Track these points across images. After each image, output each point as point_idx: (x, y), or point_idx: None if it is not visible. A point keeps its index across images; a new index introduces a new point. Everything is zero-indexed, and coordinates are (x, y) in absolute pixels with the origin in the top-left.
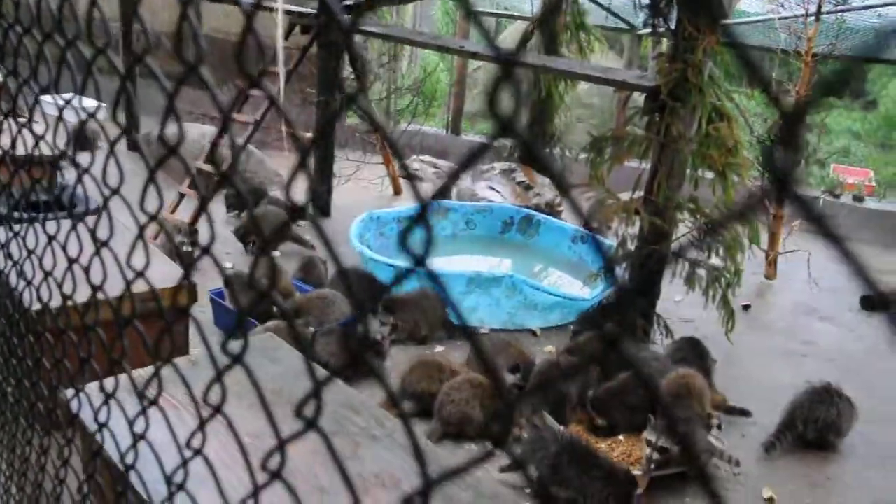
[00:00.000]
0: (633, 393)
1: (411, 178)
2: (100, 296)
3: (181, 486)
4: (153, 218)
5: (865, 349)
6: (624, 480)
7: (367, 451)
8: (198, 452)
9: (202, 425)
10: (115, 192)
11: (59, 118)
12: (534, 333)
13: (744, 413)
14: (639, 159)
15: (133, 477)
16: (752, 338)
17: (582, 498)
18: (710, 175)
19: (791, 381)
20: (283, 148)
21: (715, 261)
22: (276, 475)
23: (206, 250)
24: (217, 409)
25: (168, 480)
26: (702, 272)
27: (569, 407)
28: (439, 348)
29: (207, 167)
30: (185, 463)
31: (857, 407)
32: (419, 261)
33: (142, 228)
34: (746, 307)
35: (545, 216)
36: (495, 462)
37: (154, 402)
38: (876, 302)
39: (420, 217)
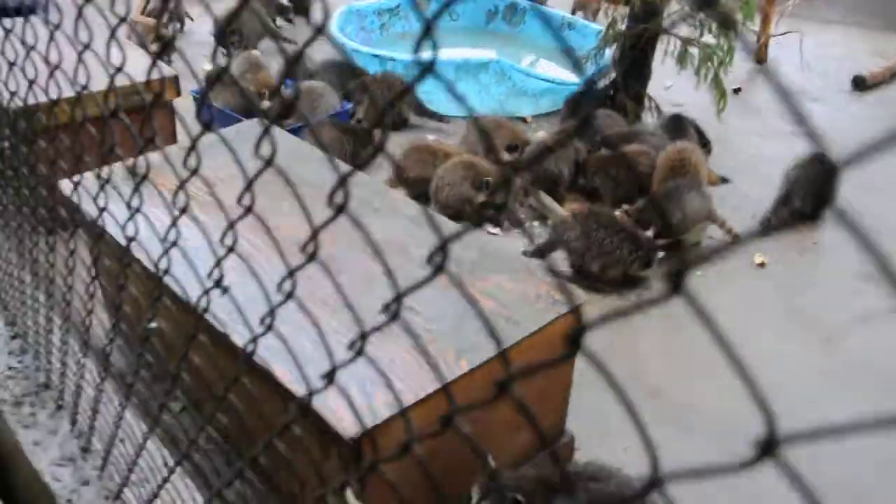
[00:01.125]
0: (620, 165)
1: None
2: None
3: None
4: (123, 20)
5: (856, 127)
6: (646, 244)
7: (372, 221)
8: (230, 250)
9: (232, 224)
10: None
11: None
12: (524, 120)
13: (724, 181)
14: None
15: (168, 279)
16: (743, 120)
17: (613, 262)
18: None
19: (783, 157)
20: None
21: (707, 38)
22: (311, 257)
23: (170, 42)
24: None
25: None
26: (694, 50)
27: (562, 187)
28: (431, 137)
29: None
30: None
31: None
32: (429, 66)
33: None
34: (737, 90)
35: (531, 3)
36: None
37: (145, 177)
38: (866, 81)
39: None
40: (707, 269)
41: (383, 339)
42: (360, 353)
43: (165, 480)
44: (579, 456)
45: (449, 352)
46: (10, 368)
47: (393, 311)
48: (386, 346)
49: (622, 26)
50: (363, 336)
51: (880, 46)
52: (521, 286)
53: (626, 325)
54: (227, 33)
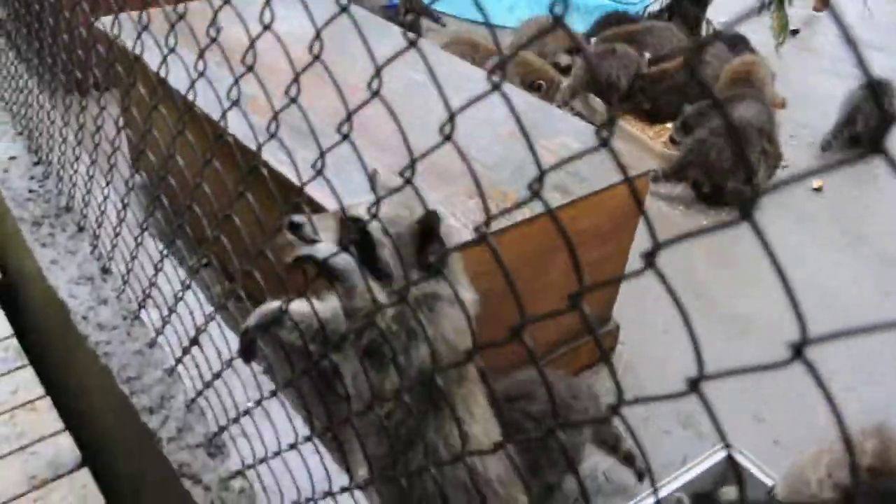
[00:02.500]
0: (679, 77)
1: None
2: None
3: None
4: None
5: None
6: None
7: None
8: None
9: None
10: None
11: None
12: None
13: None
14: None
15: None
16: (801, 58)
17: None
18: None
19: (839, 95)
20: None
21: None
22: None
23: None
24: None
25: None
26: None
27: (617, 96)
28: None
29: None
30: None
31: None
32: None
33: None
34: (795, 32)
35: None
36: None
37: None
38: None
39: None
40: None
41: (439, 180)
42: (408, 181)
43: (179, 299)
44: (621, 350)
45: (509, 196)
46: (30, 192)
47: (447, 132)
48: (442, 187)
49: None
50: (412, 162)
51: None
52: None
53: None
54: None
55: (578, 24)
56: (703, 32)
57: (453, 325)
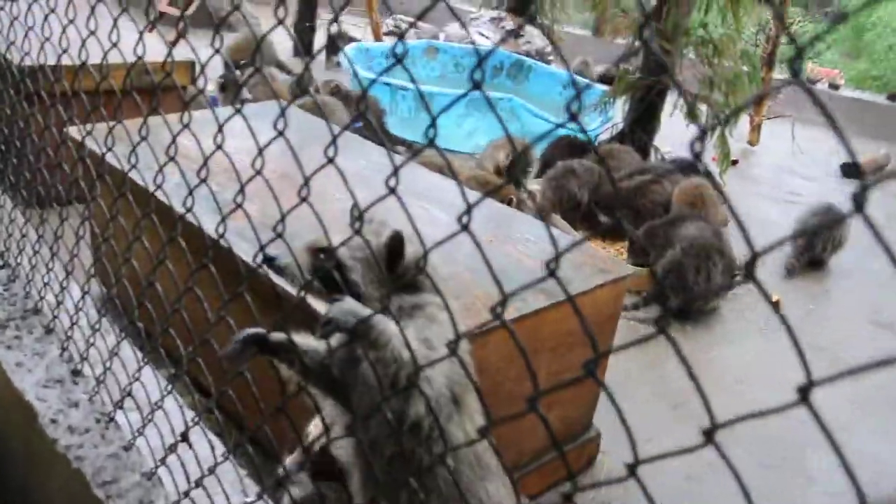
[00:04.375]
0: (639, 196)
1: None
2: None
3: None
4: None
5: (848, 201)
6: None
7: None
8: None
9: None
10: None
11: None
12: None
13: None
14: None
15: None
16: (741, 186)
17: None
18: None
19: (781, 220)
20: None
21: (716, 96)
22: None
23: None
24: None
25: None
26: (703, 107)
27: (579, 213)
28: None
29: (172, 10)
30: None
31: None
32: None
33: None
34: (734, 162)
35: (536, 62)
36: None
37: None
38: (855, 169)
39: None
40: (722, 304)
41: None
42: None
43: (158, 407)
44: (602, 459)
45: (490, 299)
46: None
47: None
48: None
49: (633, 77)
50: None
51: (860, 147)
52: (569, 254)
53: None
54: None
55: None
56: (652, 158)
57: (446, 331)
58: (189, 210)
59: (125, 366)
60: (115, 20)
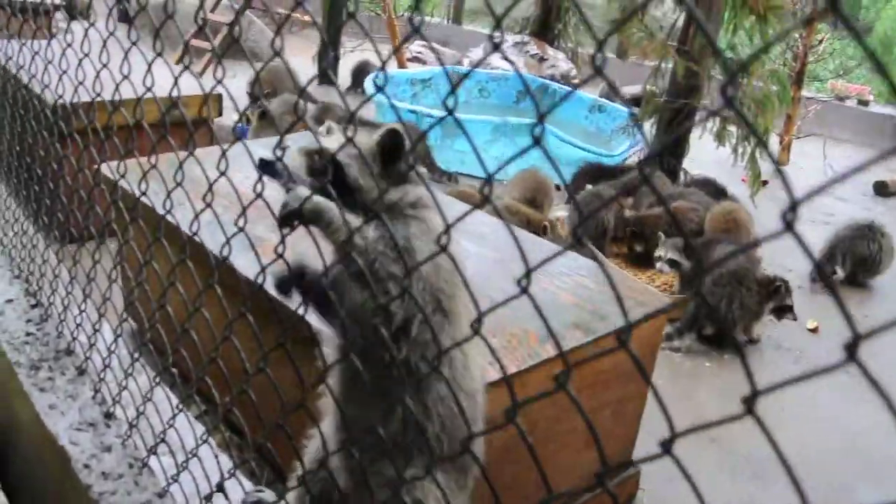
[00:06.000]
0: (668, 222)
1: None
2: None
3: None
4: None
5: (883, 222)
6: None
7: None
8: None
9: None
10: None
11: None
12: (557, 188)
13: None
14: (675, 4)
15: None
16: (772, 205)
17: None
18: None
19: (816, 241)
20: (287, 29)
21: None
22: None
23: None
24: None
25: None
26: (732, 128)
27: (609, 238)
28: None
29: (204, 43)
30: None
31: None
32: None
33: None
34: (765, 183)
35: (561, 86)
36: None
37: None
38: (887, 188)
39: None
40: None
41: None
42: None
43: (193, 455)
44: (641, 496)
45: (530, 334)
46: (27, 334)
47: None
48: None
49: (661, 100)
50: None
51: (892, 164)
52: (603, 288)
53: (685, 376)
54: (261, 89)
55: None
56: (681, 181)
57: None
58: (225, 259)
59: (158, 410)
60: (150, 65)
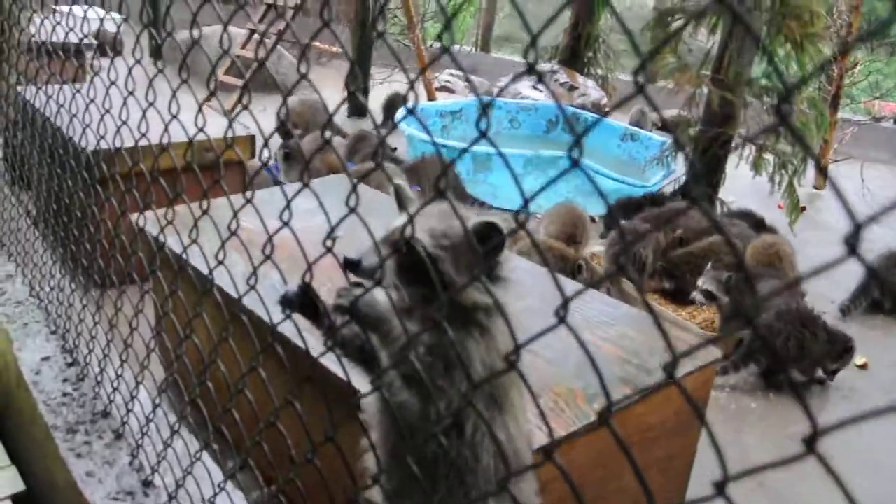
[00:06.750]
0: (704, 258)
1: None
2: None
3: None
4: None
5: None
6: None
7: None
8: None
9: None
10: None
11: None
12: (592, 220)
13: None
14: (708, 32)
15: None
16: (812, 233)
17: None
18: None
19: (856, 268)
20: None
21: (783, 146)
22: None
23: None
24: None
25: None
26: (769, 157)
27: (646, 274)
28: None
29: (232, 80)
30: None
31: None
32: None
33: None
34: (802, 209)
35: (592, 114)
36: None
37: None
38: None
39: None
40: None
41: None
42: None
43: None
44: None
45: (577, 394)
46: (64, 395)
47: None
48: None
49: (695, 129)
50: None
51: None
52: (647, 337)
53: (731, 417)
54: (290, 123)
55: (594, 207)
56: (718, 211)
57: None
58: (275, 333)
59: (199, 482)
60: (200, 107)
